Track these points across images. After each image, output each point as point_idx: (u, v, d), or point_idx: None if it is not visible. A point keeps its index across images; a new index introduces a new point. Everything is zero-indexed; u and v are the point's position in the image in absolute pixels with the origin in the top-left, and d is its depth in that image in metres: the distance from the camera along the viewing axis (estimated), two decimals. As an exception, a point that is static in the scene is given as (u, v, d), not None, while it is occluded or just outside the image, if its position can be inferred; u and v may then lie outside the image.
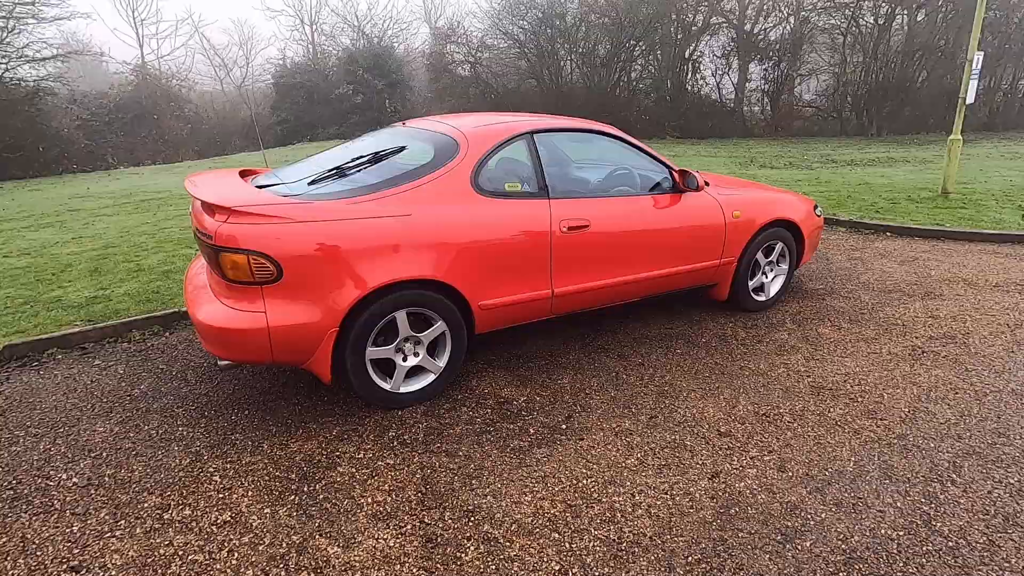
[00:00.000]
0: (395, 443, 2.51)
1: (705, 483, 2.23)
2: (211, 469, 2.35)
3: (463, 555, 1.89)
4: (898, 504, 2.10)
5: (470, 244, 2.69)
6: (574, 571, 1.83)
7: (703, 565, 1.85)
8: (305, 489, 2.22)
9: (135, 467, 2.38)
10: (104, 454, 2.47)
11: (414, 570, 1.84)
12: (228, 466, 2.37)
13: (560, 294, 3.00)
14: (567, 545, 1.93)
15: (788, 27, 20.09)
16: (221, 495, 2.20)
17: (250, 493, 2.20)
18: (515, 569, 1.84)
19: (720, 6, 20.16)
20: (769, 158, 14.34)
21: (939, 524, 2.00)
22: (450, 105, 21.75)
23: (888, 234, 6.12)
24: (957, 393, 2.87)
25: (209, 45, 27.61)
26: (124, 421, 2.73)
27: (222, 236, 2.31)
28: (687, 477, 2.27)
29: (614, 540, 1.95)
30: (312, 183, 2.70)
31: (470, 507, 2.11)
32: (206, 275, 2.88)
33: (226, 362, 2.56)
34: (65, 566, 1.87)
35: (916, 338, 3.51)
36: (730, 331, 3.65)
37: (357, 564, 1.86)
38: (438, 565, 1.86)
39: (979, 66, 7.11)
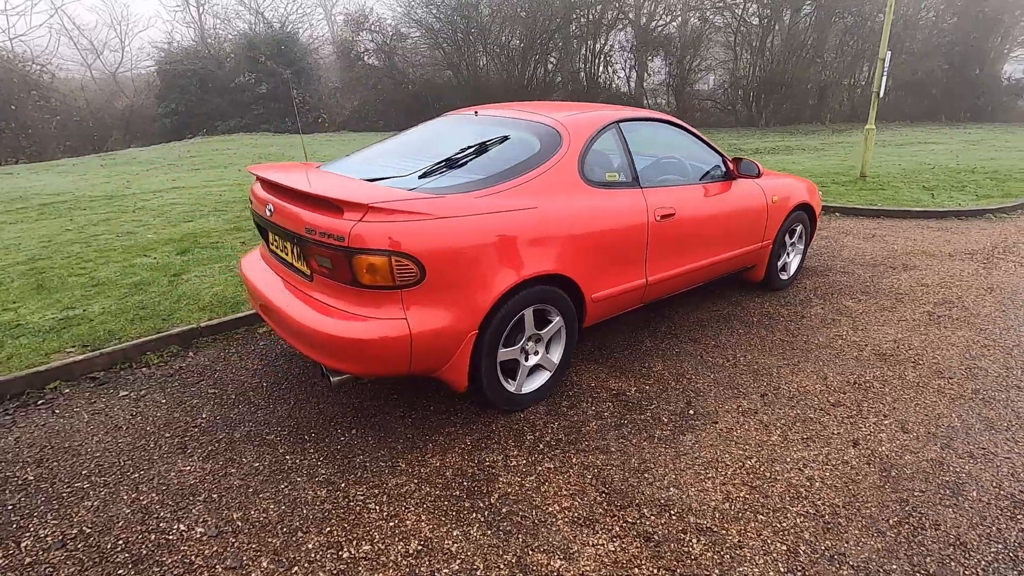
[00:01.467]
0: (541, 446, 2.40)
1: (852, 451, 2.37)
2: (359, 497, 2.11)
3: (691, 549, 1.87)
4: (1017, 450, 2.37)
5: (586, 235, 2.62)
6: (802, 548, 1.87)
7: (906, 526, 1.97)
8: (481, 505, 2.06)
9: (265, 506, 2.07)
10: (215, 496, 2.12)
11: (653, 570, 1.78)
12: (376, 491, 2.14)
13: (652, 282, 3.02)
14: (778, 525, 1.97)
15: (682, 23, 21.47)
16: (392, 523, 1.98)
17: (424, 517, 2.01)
18: (747, 555, 1.85)
19: (619, 3, 21.05)
20: (687, 148, 15.24)
21: (1059, 463, 2.29)
22: (362, 96, 20.83)
23: (837, 214, 6.80)
24: (989, 349, 3.28)
25: (73, 25, 24.09)
26: (211, 456, 2.36)
27: (357, 237, 2.06)
28: (833, 447, 2.40)
29: (814, 514, 2.02)
30: (423, 176, 2.48)
31: (662, 501, 2.08)
32: (282, 278, 2.56)
33: (341, 377, 2.30)
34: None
35: (925, 304, 3.95)
36: (771, 309, 3.88)
37: (593, 575, 1.77)
38: (674, 563, 1.81)
39: (889, 64, 8.07)
